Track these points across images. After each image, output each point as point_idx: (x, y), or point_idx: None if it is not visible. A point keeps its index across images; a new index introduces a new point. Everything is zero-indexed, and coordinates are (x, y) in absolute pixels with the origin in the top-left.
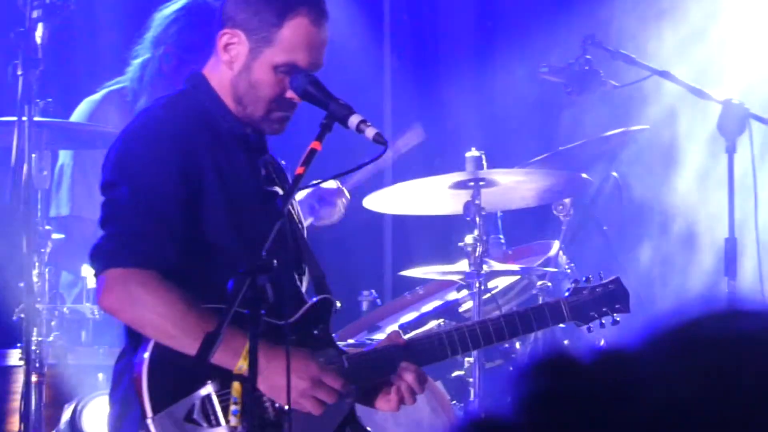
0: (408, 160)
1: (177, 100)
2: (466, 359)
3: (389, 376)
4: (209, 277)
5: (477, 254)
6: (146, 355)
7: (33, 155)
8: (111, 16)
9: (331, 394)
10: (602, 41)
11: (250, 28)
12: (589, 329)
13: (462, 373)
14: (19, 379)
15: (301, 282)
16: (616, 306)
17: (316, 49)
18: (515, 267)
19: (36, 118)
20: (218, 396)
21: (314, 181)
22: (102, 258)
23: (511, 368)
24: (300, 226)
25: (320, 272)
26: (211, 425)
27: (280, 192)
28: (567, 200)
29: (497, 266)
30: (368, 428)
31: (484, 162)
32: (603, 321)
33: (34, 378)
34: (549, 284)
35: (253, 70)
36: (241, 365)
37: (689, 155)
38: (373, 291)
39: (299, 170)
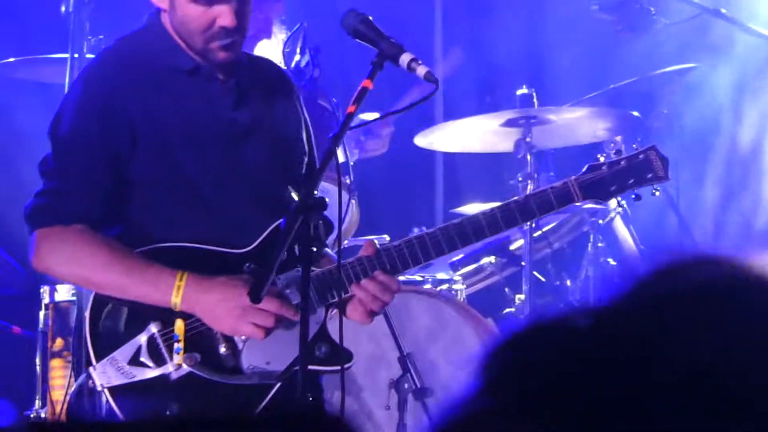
0: (458, 97)
1: (124, 44)
2: (517, 296)
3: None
4: (147, 219)
5: (528, 192)
6: (88, 307)
7: None
8: None
9: (267, 317)
10: None
11: None
12: (619, 204)
13: (513, 310)
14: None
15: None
16: (648, 176)
17: None
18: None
19: (88, 55)
20: (162, 335)
21: (364, 120)
22: (30, 219)
23: (561, 305)
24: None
25: (290, 197)
26: (158, 365)
27: (251, 115)
28: (618, 138)
29: None
30: (343, 347)
31: (535, 100)
32: (638, 193)
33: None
34: (600, 221)
35: (176, 6)
36: (175, 302)
37: (742, 91)
38: (424, 228)
39: (351, 108)
